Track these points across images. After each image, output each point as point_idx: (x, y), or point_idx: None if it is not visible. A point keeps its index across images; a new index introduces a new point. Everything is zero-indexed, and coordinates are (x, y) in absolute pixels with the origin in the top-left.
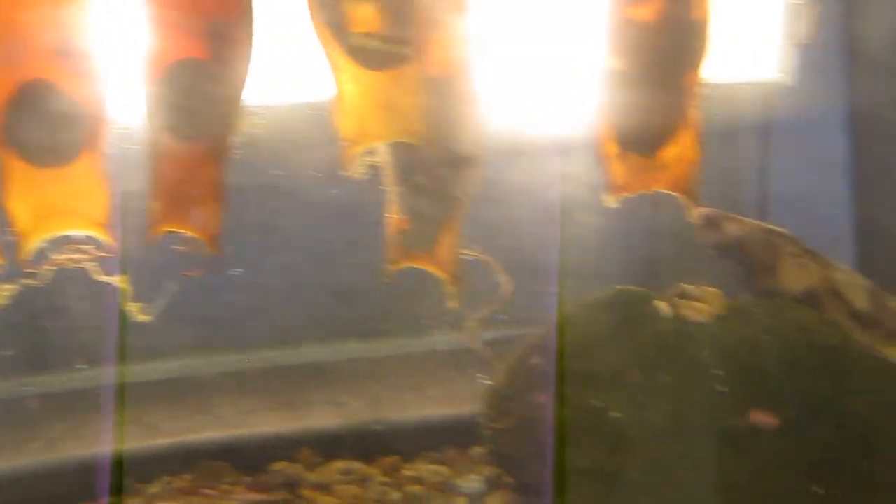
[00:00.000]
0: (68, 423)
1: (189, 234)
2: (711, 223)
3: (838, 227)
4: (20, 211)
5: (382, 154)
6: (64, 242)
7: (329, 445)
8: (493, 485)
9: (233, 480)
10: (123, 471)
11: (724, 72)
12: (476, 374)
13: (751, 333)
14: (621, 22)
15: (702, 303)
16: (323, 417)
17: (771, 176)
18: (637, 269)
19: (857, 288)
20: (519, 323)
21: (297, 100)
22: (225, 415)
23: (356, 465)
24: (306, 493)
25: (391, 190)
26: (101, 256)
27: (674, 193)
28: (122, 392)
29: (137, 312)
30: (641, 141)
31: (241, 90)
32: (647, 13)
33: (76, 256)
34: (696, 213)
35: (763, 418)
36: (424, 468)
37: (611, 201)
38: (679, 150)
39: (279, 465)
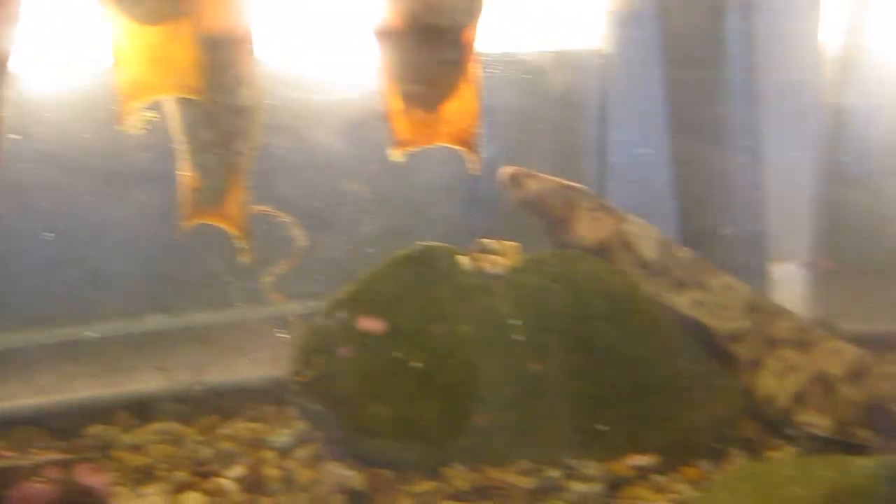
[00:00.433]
0: None
1: None
2: (515, 181)
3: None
4: None
5: (168, 110)
6: None
7: (148, 409)
8: (303, 439)
9: (45, 445)
10: None
11: (544, 42)
12: (278, 332)
13: (544, 283)
14: None
15: (500, 256)
16: (144, 382)
17: (600, 142)
18: (445, 226)
19: (647, 239)
20: (329, 282)
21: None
22: (45, 383)
23: (173, 426)
24: (118, 453)
25: (180, 147)
26: None
27: (456, 147)
28: None
29: None
30: (423, 96)
31: (7, 56)
32: None
33: None
34: (502, 171)
35: (371, 324)
36: (241, 426)
37: (396, 156)
38: (460, 105)
39: (95, 429)
